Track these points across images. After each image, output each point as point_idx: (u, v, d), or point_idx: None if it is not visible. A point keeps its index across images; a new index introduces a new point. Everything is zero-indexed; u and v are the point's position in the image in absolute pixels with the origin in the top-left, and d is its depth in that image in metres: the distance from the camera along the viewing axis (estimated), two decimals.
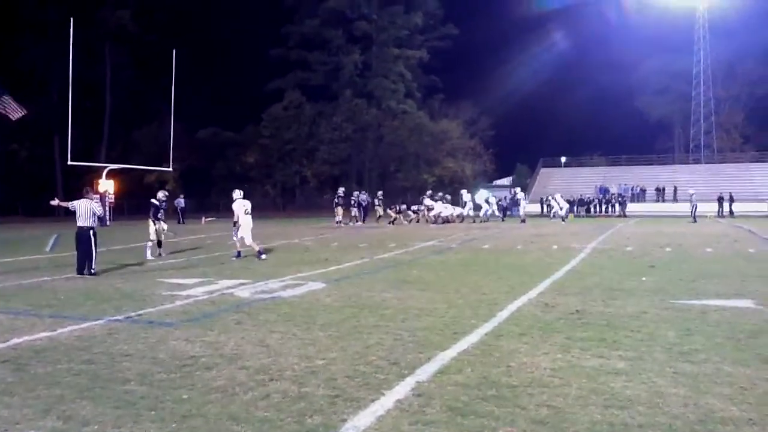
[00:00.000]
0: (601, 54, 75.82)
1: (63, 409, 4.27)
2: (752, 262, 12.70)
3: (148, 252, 15.39)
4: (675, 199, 49.85)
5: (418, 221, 33.00)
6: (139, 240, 21.33)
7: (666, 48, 68.46)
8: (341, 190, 33.79)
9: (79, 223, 11.94)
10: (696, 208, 32.82)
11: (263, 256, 14.37)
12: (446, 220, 31.79)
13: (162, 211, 16.09)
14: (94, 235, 12.03)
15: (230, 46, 71.14)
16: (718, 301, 8.03)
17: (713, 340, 5.99)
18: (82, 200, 12.13)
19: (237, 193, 15.34)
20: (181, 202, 39.90)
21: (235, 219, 15.00)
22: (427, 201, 34.01)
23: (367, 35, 70.80)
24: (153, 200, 16.24)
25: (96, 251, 12.03)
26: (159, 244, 15.89)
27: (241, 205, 14.90)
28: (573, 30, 77.20)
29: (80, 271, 11.81)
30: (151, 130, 58.59)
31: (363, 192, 37.41)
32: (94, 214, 12.14)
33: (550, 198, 39.76)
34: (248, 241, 14.70)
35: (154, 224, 15.68)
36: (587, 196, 49.46)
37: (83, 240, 11.87)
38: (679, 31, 66.62)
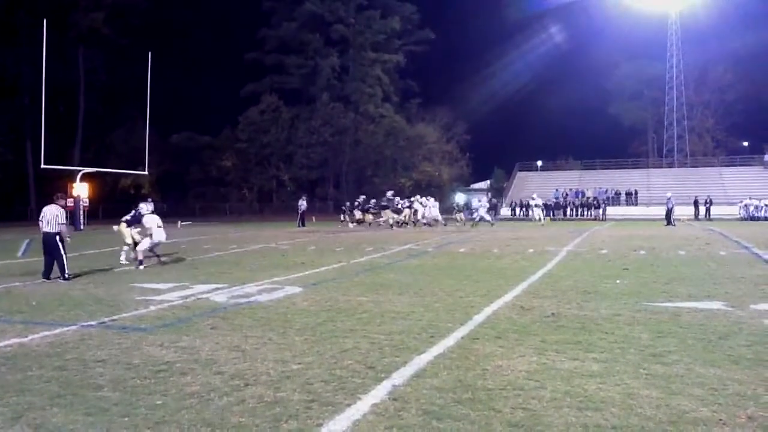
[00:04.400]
0: (575, 60, 76.89)
1: (33, 417, 4.20)
2: (723, 265, 12.90)
3: (123, 256, 15.17)
4: (636, 203, 50.67)
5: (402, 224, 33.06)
6: (113, 245, 21.09)
7: (639, 54, 69.58)
8: (362, 198, 36.24)
9: (45, 228, 11.74)
10: (672, 211, 32.66)
11: (141, 267, 13.78)
12: (428, 223, 31.93)
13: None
14: (62, 240, 11.81)
15: (206, 50, 70.78)
16: (690, 303, 8.14)
17: (685, 341, 6.07)
18: (51, 206, 11.96)
19: (147, 207, 15.05)
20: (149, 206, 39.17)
21: (150, 232, 14.38)
22: (417, 205, 34.07)
23: (344, 39, 70.94)
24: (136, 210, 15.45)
25: (66, 255, 11.83)
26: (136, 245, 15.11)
27: (152, 220, 14.53)
28: (548, 36, 77.89)
29: (46, 276, 11.63)
30: (125, 133, 57.99)
31: (303, 198, 37.83)
32: (58, 221, 11.80)
33: (530, 199, 40.22)
34: (143, 246, 14.25)
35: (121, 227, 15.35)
36: (560, 199, 49.96)
37: (50, 245, 11.71)
38: (652, 37, 67.76)
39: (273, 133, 66.29)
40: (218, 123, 68.34)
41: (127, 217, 15.46)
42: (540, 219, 35.77)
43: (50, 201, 12.20)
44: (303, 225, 33.89)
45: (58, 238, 11.76)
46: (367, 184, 66.84)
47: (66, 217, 12.15)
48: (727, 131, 73.07)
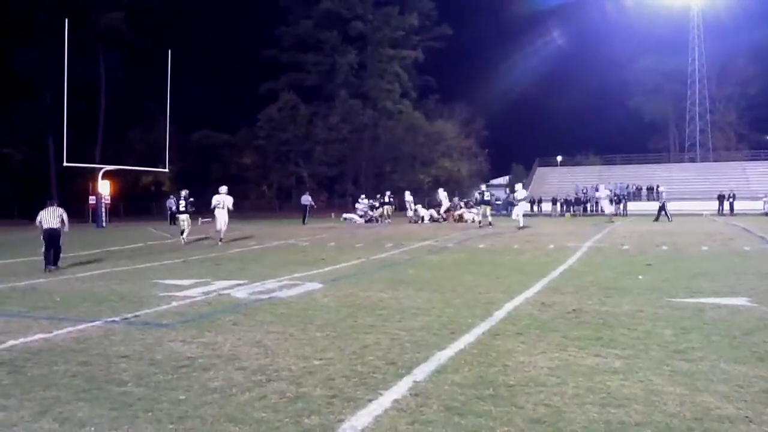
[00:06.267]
0: (595, 53, 76.07)
1: (59, 411, 4.26)
2: (747, 260, 12.74)
3: (183, 239, 19.66)
4: (657, 198, 50.03)
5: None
6: (135, 241, 21.33)
7: (659, 47, 68.67)
8: (388, 194, 35.63)
9: (50, 226, 13.18)
10: (665, 206, 30.86)
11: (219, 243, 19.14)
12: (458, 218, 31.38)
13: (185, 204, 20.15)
14: (60, 236, 13.32)
15: (223, 48, 71.04)
16: (714, 299, 8.05)
17: (709, 338, 6.01)
18: (48, 208, 13.49)
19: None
20: (171, 203, 39.23)
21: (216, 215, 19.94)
22: (442, 195, 33.67)
23: (362, 36, 70.77)
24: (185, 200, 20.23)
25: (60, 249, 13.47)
26: (182, 232, 19.88)
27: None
28: (567, 30, 77.30)
29: (47, 265, 12.93)
30: (145, 131, 58.47)
31: (307, 194, 37.99)
32: (62, 219, 13.36)
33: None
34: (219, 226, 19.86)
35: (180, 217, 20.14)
36: (580, 194, 49.56)
37: (56, 238, 13.19)
38: (672, 30, 66.95)
39: (291, 130, 66.43)
40: (236, 120, 68.66)
41: (182, 208, 20.19)
42: (519, 219, 25.83)
43: (45, 205, 13.69)
44: (303, 222, 33.66)
45: (59, 233, 13.28)
46: (386, 180, 66.79)
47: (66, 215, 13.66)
48: (750, 125, 72.09)
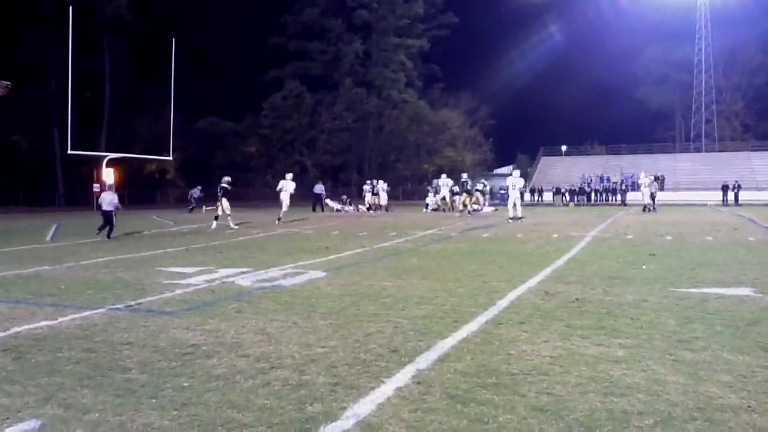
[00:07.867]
0: (601, 43, 75.73)
1: (64, 397, 4.28)
2: (752, 251, 12.69)
3: (231, 223, 21.29)
4: (662, 188, 49.80)
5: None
6: (140, 229, 21.36)
7: (666, 36, 68.33)
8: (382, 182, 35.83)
9: (104, 207, 17.83)
10: (654, 195, 30.12)
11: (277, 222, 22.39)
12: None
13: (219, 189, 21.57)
14: (114, 214, 17.91)
15: (228, 36, 70.99)
16: (718, 289, 8.02)
17: (713, 328, 5.99)
18: (107, 192, 18.73)
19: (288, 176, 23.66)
20: (196, 192, 39.29)
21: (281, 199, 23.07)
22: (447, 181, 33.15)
23: (367, 24, 70.66)
24: (224, 185, 21.53)
25: (114, 225, 17.81)
26: (216, 218, 21.34)
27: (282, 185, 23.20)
28: (573, 19, 76.96)
29: (101, 230, 17.58)
30: (150, 119, 58.54)
31: (319, 182, 38.09)
32: (112, 202, 17.90)
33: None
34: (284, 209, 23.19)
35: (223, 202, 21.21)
36: (584, 184, 49.40)
37: (108, 217, 17.65)
38: (679, 19, 66.52)
39: (296, 118, 66.55)
40: (241, 109, 68.86)
41: (220, 193, 21.38)
42: (509, 210, 23.80)
43: (103, 190, 18.30)
44: (321, 209, 33.90)
45: (112, 213, 17.72)
46: (391, 169, 66.79)
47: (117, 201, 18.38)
48: (757, 115, 71.75)
